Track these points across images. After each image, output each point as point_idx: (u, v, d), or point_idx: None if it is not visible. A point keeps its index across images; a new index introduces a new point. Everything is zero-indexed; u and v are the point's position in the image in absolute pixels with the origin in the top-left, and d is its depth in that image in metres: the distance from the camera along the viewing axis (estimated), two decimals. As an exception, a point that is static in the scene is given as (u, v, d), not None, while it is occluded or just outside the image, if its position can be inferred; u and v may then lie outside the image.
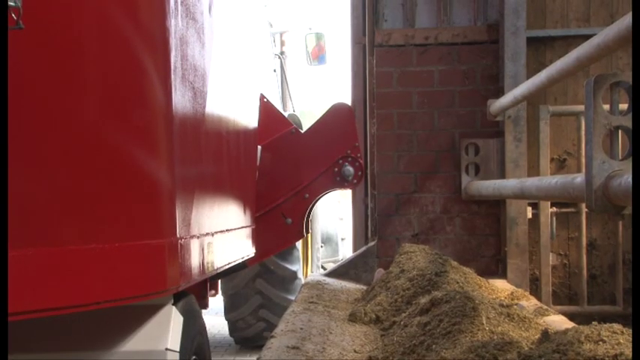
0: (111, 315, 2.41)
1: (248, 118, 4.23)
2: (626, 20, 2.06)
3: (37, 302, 2.06)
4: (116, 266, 2.21)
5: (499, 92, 4.32)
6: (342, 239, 9.22)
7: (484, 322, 2.36)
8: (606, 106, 2.24)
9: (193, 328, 2.84)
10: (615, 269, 4.36)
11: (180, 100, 2.50)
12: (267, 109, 4.89)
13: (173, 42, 2.40)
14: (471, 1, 4.53)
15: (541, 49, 4.49)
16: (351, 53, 5.00)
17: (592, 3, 4.48)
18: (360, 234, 4.99)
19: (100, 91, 2.24)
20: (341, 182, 4.70)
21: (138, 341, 2.43)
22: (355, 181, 4.70)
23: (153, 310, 2.51)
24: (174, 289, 2.41)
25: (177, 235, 2.40)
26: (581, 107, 4.04)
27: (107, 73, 2.25)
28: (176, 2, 2.45)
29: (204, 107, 2.90)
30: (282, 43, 8.96)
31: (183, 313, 2.66)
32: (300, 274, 6.55)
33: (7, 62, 1.95)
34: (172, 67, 2.38)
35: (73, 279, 2.13)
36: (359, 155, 4.70)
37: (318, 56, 8.11)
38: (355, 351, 2.62)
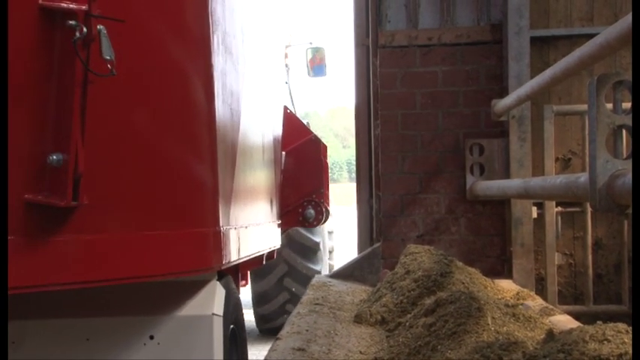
0: (169, 288, 3.11)
1: (274, 128, 4.99)
2: (628, 19, 2.06)
3: (119, 272, 2.77)
4: (175, 248, 2.92)
5: (503, 92, 4.32)
6: (331, 252, 9.36)
7: (489, 322, 2.36)
8: (610, 105, 2.23)
9: (232, 301, 3.51)
10: (621, 268, 4.35)
11: (222, 118, 3.25)
12: (289, 119, 5.63)
13: (216, 75, 3.14)
14: (474, 2, 4.53)
15: (544, 49, 4.49)
16: (355, 54, 5.02)
17: (595, 2, 4.48)
18: (365, 235, 5.00)
19: (164, 113, 2.94)
20: (302, 222, 5.60)
21: (191, 308, 3.11)
22: (315, 222, 5.60)
23: (201, 284, 3.18)
24: (218, 267, 3.17)
25: (220, 225, 3.11)
26: (585, 106, 4.02)
27: (169, 100, 2.95)
28: (218, 43, 3.18)
29: (239, 122, 3.65)
30: (285, 56, 9.25)
31: (223, 288, 3.30)
32: (322, 246, 7.49)
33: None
34: (215, 94, 3.13)
35: (144, 256, 2.83)
36: (322, 201, 5.48)
37: (315, 68, 8.71)
38: (361, 352, 2.62)
